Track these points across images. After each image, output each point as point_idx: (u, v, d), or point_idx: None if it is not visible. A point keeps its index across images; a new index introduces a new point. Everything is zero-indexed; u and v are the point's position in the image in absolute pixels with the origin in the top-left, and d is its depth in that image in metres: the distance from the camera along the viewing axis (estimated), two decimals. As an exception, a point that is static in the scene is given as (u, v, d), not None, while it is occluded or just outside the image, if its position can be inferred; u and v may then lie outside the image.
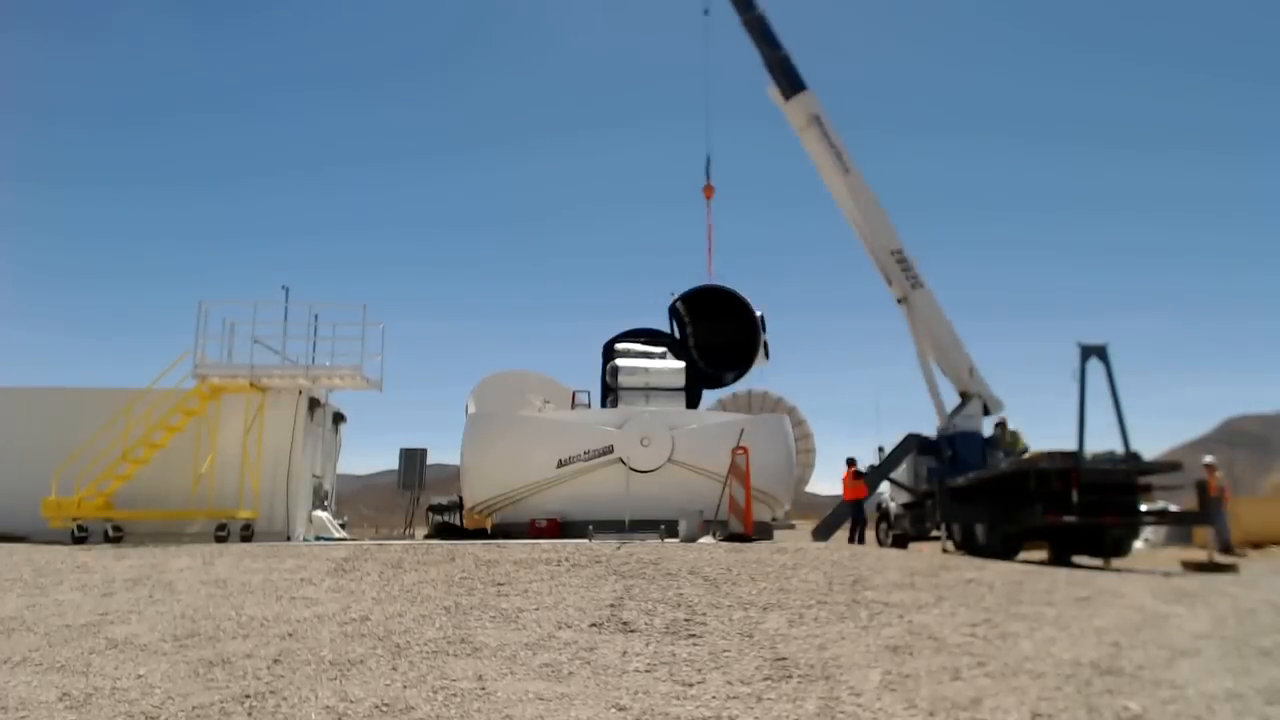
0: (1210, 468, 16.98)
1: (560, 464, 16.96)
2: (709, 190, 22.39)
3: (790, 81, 19.23)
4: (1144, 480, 13.04)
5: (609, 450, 16.89)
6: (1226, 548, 15.88)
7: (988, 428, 17.71)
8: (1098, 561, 13.21)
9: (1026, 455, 14.94)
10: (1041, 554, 14.15)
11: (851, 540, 16.88)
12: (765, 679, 5.35)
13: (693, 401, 20.36)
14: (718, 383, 22.77)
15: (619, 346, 20.52)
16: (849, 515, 17.44)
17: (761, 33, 19.43)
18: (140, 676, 5.48)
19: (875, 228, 18.67)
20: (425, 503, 23.06)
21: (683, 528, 13.77)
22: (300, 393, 16.50)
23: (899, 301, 18.60)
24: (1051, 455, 12.96)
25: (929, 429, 18.21)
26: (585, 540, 13.15)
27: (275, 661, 5.71)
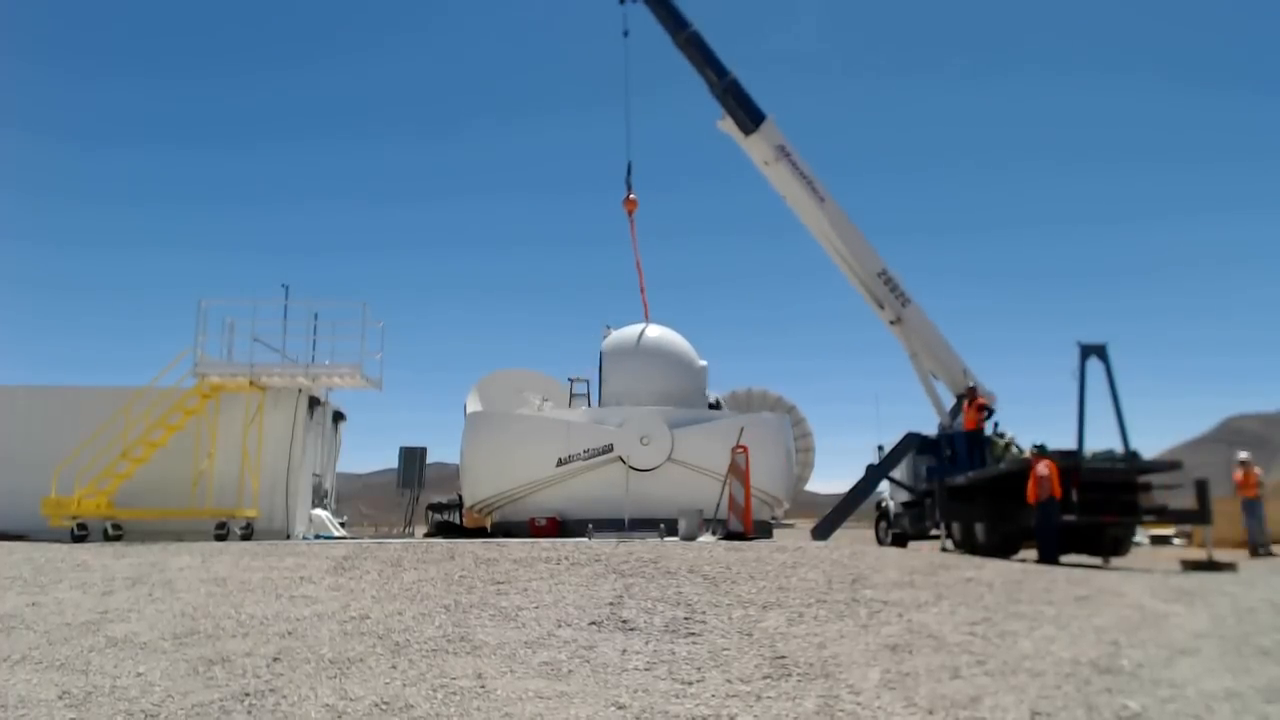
0: (1245, 464, 15.85)
1: (560, 463, 16.95)
2: (631, 204, 19.63)
3: (747, 113, 17.23)
4: (1143, 479, 13.05)
5: (608, 449, 16.89)
6: (1256, 548, 15.10)
7: (986, 426, 17.69)
8: (1097, 561, 13.22)
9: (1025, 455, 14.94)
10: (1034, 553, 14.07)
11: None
12: (765, 677, 5.35)
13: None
14: None
15: None
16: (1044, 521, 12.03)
17: (701, 55, 17.40)
18: (140, 674, 5.48)
19: (858, 253, 17.63)
20: (425, 501, 23.07)
21: (682, 526, 13.77)
22: (300, 391, 16.50)
23: (892, 324, 18.04)
24: (1051, 455, 12.96)
25: (928, 428, 18.20)
26: (585, 539, 13.16)
27: (275, 660, 5.71)
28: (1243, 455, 16.42)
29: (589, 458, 16.92)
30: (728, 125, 17.74)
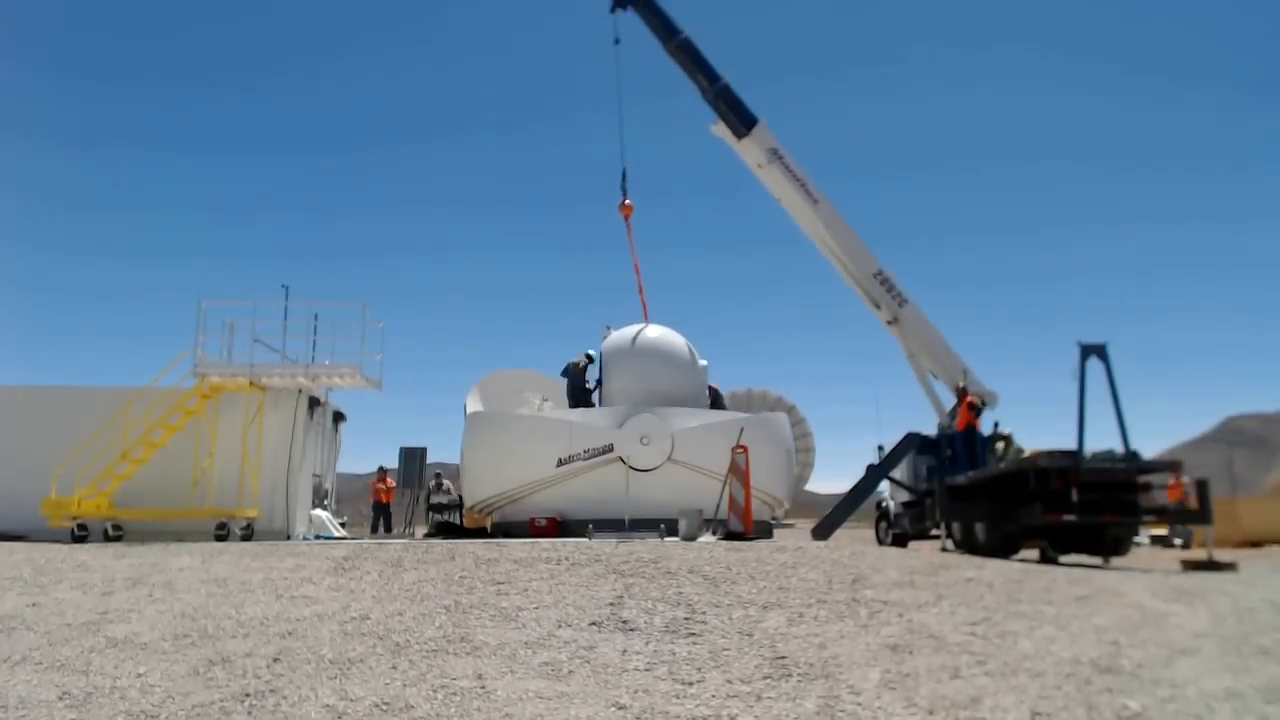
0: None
1: (560, 463, 16.95)
2: (627, 209, 19.89)
3: (740, 117, 17.41)
4: (1143, 479, 13.05)
5: (609, 449, 16.89)
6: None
7: (986, 425, 17.71)
8: (1097, 560, 13.22)
9: (1026, 454, 14.95)
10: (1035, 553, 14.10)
11: None
12: (765, 678, 5.36)
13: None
14: None
15: None
16: None
17: (692, 61, 17.58)
18: (140, 675, 5.48)
19: (853, 254, 17.67)
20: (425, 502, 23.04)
21: (682, 527, 13.77)
22: (300, 392, 16.51)
23: (889, 324, 17.99)
24: (1051, 454, 12.97)
25: (928, 428, 18.21)
26: (585, 539, 13.16)
27: (275, 660, 5.72)
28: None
29: (589, 458, 16.92)
30: (721, 130, 17.84)
